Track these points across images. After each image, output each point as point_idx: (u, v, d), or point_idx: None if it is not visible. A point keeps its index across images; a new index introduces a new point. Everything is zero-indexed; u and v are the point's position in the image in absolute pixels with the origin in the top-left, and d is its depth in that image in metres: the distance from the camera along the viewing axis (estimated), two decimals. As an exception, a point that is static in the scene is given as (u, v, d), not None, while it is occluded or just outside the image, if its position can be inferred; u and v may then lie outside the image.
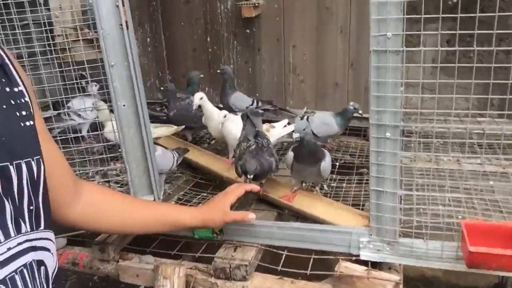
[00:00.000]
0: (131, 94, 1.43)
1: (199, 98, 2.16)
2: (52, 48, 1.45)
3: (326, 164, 1.63)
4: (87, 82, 2.68)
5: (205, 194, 1.96)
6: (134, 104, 1.45)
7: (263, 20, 2.78)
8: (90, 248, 1.67)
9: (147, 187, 1.54)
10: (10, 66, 0.71)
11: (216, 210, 1.32)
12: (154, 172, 1.54)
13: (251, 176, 1.55)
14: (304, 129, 1.58)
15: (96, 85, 2.65)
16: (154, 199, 1.53)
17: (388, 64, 1.22)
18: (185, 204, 1.85)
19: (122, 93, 1.43)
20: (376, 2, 1.18)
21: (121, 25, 1.38)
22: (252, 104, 2.60)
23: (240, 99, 2.56)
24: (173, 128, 2.39)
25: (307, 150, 1.61)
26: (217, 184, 2.09)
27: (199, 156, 2.19)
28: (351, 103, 2.11)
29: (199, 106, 2.21)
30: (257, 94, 2.95)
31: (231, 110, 2.57)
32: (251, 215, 1.34)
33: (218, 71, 2.53)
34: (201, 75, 2.64)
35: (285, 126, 2.15)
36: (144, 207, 1.20)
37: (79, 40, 1.41)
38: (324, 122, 2.13)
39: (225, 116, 2.00)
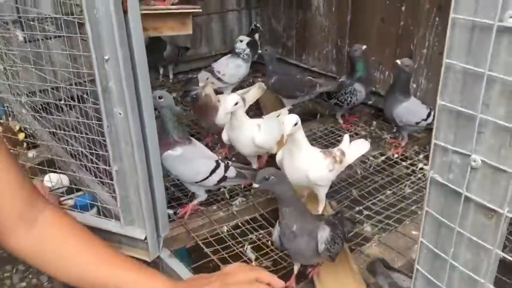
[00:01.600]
0: (131, 98, 1.05)
1: (234, 102, 1.37)
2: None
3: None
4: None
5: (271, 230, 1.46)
6: (135, 111, 1.06)
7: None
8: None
9: (144, 219, 1.17)
10: None
11: None
12: (157, 202, 1.16)
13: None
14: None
15: (241, 41, 2.27)
16: (146, 238, 1.17)
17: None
18: (232, 240, 1.41)
19: (118, 97, 1.05)
20: None
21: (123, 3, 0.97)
22: (426, 119, 1.79)
23: (410, 110, 1.78)
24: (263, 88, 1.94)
25: None
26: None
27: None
28: None
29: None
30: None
31: (395, 123, 1.85)
32: None
33: (397, 62, 1.76)
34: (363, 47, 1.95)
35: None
36: (107, 263, 0.88)
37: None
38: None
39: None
